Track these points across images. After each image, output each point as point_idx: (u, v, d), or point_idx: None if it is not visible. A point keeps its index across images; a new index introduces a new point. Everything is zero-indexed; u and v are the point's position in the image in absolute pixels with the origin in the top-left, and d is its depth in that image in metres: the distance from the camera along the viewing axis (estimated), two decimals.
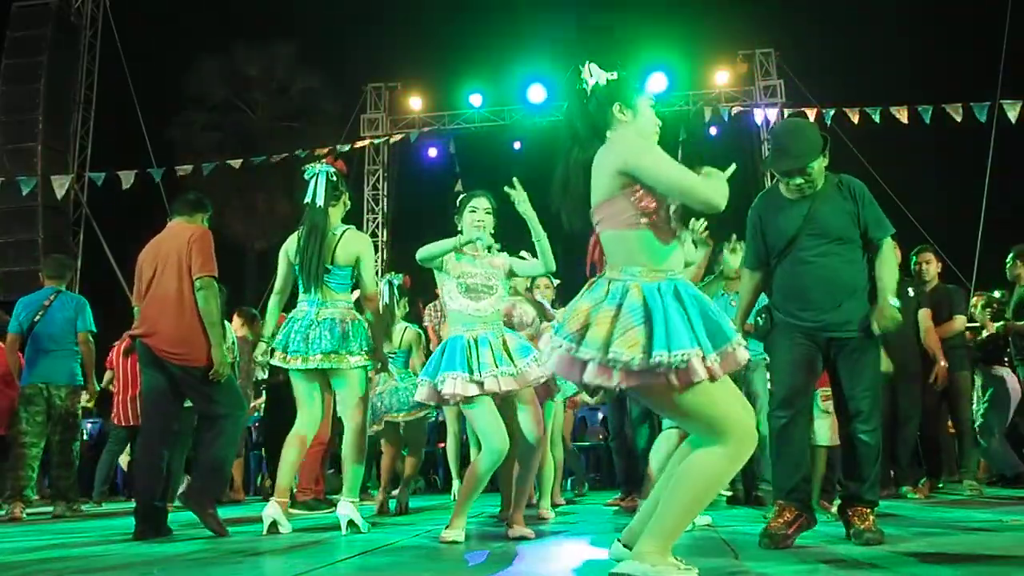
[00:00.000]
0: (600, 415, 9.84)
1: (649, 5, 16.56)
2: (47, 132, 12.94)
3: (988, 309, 6.33)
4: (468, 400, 3.46)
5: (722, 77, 14.41)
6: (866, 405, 3.10)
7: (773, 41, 14.58)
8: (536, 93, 14.30)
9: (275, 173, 15.41)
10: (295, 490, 5.90)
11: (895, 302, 3.13)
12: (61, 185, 12.34)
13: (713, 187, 2.12)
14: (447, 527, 3.40)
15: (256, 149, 14.94)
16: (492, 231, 3.76)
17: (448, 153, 15.53)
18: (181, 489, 6.45)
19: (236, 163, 12.86)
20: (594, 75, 2.32)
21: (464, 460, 5.91)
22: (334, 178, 4.15)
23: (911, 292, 5.58)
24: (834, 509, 3.87)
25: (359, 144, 14.55)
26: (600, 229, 2.23)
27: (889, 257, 3.23)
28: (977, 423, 6.10)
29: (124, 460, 8.29)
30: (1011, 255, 5.96)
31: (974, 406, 6.15)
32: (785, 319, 3.22)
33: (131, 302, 4.33)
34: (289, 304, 4.30)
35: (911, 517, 4.06)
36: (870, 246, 3.23)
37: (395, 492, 5.48)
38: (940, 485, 5.73)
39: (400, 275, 5.57)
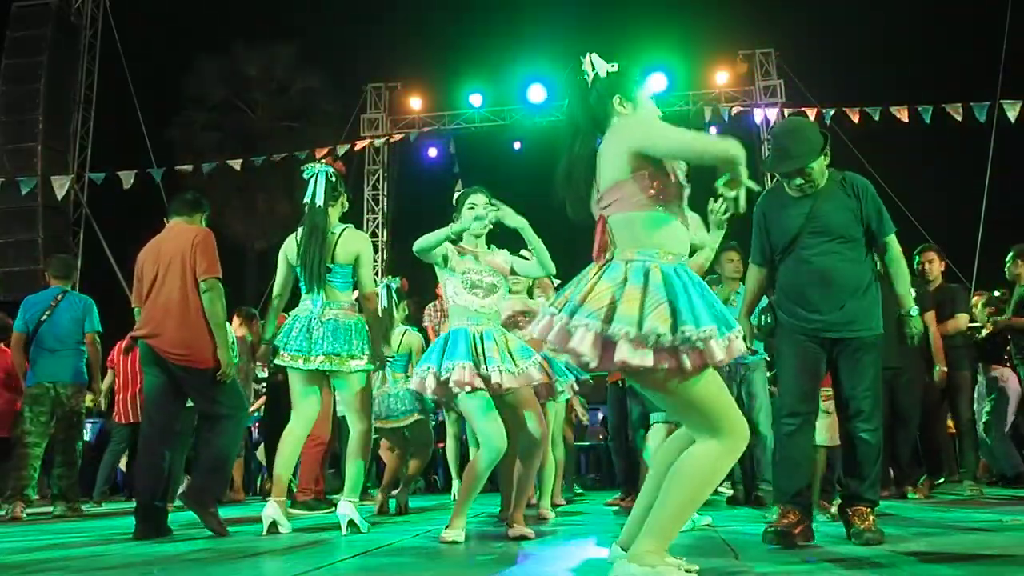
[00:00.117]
0: (600, 415, 9.85)
1: (649, 5, 16.58)
2: (47, 132, 12.94)
3: (989, 308, 6.33)
4: (472, 391, 3.44)
5: (722, 77, 14.42)
6: (867, 405, 3.10)
7: (773, 41, 14.58)
8: (536, 93, 14.30)
9: (275, 173, 15.42)
10: (295, 490, 5.91)
11: (915, 311, 3.23)
12: (61, 185, 12.34)
13: (725, 141, 2.10)
14: (447, 527, 3.40)
15: (256, 149, 14.96)
16: (491, 228, 3.77)
17: (448, 153, 15.54)
18: (181, 489, 6.46)
19: (236, 163, 12.87)
20: (595, 66, 2.32)
21: (464, 460, 5.91)
22: (333, 178, 4.16)
23: (913, 292, 5.59)
24: (834, 509, 3.88)
25: (359, 144, 14.56)
26: (608, 213, 2.20)
27: (900, 262, 3.25)
28: (982, 420, 6.11)
29: (122, 460, 8.28)
30: (1011, 254, 5.97)
31: (976, 405, 6.16)
32: (788, 320, 3.22)
33: (131, 302, 4.33)
34: (289, 305, 4.31)
35: (911, 517, 4.06)
36: (875, 244, 3.23)
37: (395, 492, 5.48)
38: (940, 481, 5.73)
39: (397, 279, 5.58)
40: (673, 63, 14.06)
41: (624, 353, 1.96)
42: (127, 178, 12.20)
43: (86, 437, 8.26)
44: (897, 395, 5.27)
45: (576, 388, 4.93)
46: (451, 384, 3.44)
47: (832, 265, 3.13)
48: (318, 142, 14.42)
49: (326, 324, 3.96)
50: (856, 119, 11.56)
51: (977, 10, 14.01)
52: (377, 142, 15.35)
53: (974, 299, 6.81)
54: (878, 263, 3.39)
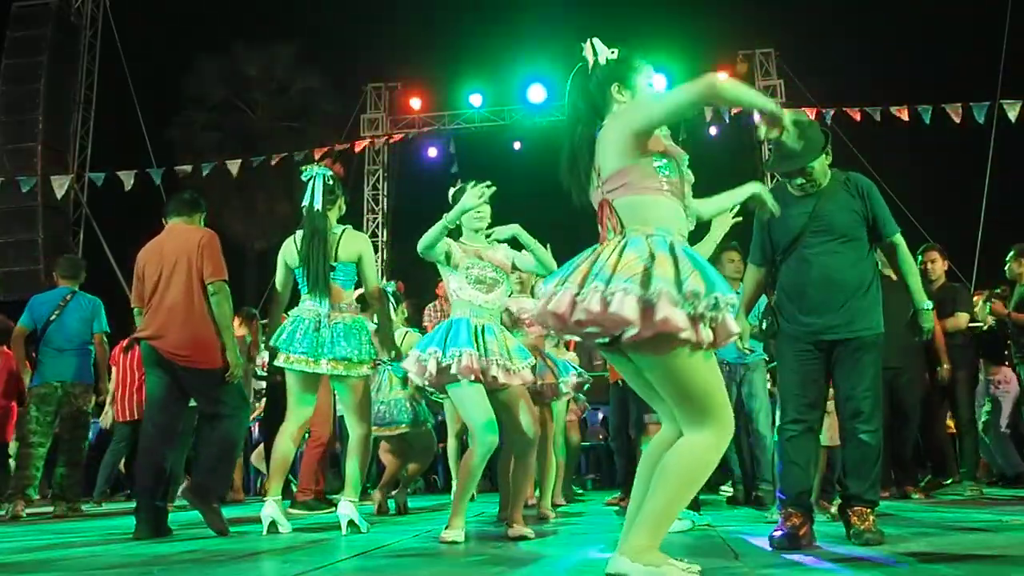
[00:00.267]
0: (600, 415, 9.85)
1: (649, 5, 16.59)
2: (47, 132, 12.95)
3: (989, 303, 6.32)
4: (473, 380, 3.45)
5: (722, 77, 14.40)
6: (867, 405, 3.10)
7: (773, 41, 14.58)
8: (536, 93, 14.30)
9: (275, 173, 15.40)
10: (295, 490, 5.91)
11: (928, 305, 3.19)
12: (61, 185, 12.35)
13: (712, 76, 2.14)
14: (447, 527, 3.40)
15: (256, 149, 14.95)
16: (489, 220, 3.79)
17: (448, 153, 15.53)
18: (181, 489, 6.46)
19: (235, 164, 12.87)
20: (597, 52, 2.32)
21: None
22: (330, 181, 4.16)
23: None
24: (834, 509, 3.88)
25: (359, 144, 14.56)
26: (613, 197, 2.19)
27: (910, 259, 3.25)
28: (981, 420, 6.11)
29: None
30: (1011, 253, 5.96)
31: (977, 400, 6.16)
32: (789, 326, 3.21)
33: (131, 302, 4.33)
34: (289, 305, 4.31)
35: (911, 517, 4.06)
36: (882, 244, 3.23)
37: (394, 492, 5.48)
38: (948, 482, 5.73)
39: (392, 283, 5.58)
40: (673, 63, 14.04)
41: (666, 311, 1.95)
42: (127, 178, 12.20)
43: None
44: (898, 395, 5.26)
45: (574, 383, 4.96)
46: (455, 371, 3.43)
47: (834, 264, 3.13)
48: (318, 142, 14.43)
49: (334, 327, 3.96)
50: (856, 119, 11.56)
51: (977, 10, 14.02)
52: (377, 142, 15.35)
53: (975, 298, 6.81)
54: (879, 263, 3.39)
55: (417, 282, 7.71)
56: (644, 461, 2.25)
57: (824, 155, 3.18)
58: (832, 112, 11.68)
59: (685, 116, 2.21)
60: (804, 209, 3.20)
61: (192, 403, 4.32)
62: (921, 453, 6.16)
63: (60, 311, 5.73)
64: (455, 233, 3.73)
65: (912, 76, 14.82)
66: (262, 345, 5.58)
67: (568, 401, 5.73)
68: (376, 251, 14.58)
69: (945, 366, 5.62)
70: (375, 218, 15.60)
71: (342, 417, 5.68)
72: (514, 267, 3.85)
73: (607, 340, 2.11)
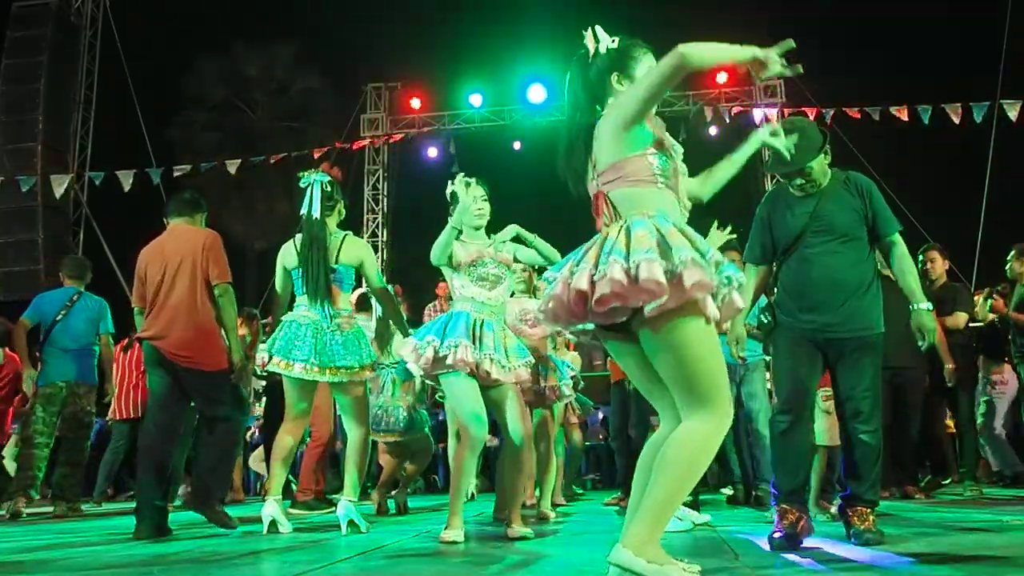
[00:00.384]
0: (600, 415, 9.84)
1: (649, 5, 16.59)
2: (47, 132, 12.94)
3: (990, 300, 6.31)
4: (469, 373, 3.47)
5: (722, 77, 14.41)
6: (866, 405, 3.10)
7: (773, 41, 14.55)
8: (536, 93, 14.30)
9: (275, 173, 15.43)
10: (295, 490, 5.91)
11: (927, 305, 3.15)
12: (61, 185, 12.34)
13: (680, 47, 2.07)
14: (446, 527, 3.40)
15: (256, 149, 14.96)
16: (489, 218, 3.80)
17: (448, 153, 15.52)
18: (181, 490, 6.46)
19: (235, 164, 12.86)
20: (598, 39, 2.31)
21: None
22: (328, 187, 4.15)
23: None
24: (834, 509, 3.88)
25: (359, 144, 14.55)
26: (609, 189, 2.19)
27: (909, 258, 3.24)
28: (979, 420, 6.11)
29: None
30: (1012, 253, 5.96)
31: (978, 398, 6.16)
32: (787, 320, 3.22)
33: (131, 302, 4.33)
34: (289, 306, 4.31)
35: (911, 517, 4.06)
36: (880, 243, 3.22)
37: (394, 492, 5.48)
38: (947, 482, 5.73)
39: (389, 286, 5.59)
40: None
41: (696, 275, 1.93)
42: (127, 178, 12.19)
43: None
44: (898, 394, 5.26)
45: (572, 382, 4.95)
46: (451, 361, 3.44)
47: (835, 264, 3.13)
48: (318, 142, 14.43)
49: (334, 336, 3.96)
50: (856, 119, 11.56)
51: (977, 10, 14.03)
52: (377, 142, 15.35)
53: (976, 298, 6.81)
54: (880, 262, 3.39)
55: (416, 283, 7.72)
56: (644, 453, 2.24)
57: (823, 155, 3.18)
58: (832, 112, 11.66)
59: (664, 92, 2.16)
60: (805, 209, 3.20)
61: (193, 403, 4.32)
62: (921, 453, 6.15)
63: (67, 311, 5.73)
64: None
65: (912, 76, 14.83)
66: (261, 345, 5.58)
67: (567, 403, 5.73)
68: (376, 251, 14.59)
69: (949, 365, 5.61)
70: (375, 218, 15.60)
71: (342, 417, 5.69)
72: (516, 260, 3.85)
73: (614, 324, 2.08)
